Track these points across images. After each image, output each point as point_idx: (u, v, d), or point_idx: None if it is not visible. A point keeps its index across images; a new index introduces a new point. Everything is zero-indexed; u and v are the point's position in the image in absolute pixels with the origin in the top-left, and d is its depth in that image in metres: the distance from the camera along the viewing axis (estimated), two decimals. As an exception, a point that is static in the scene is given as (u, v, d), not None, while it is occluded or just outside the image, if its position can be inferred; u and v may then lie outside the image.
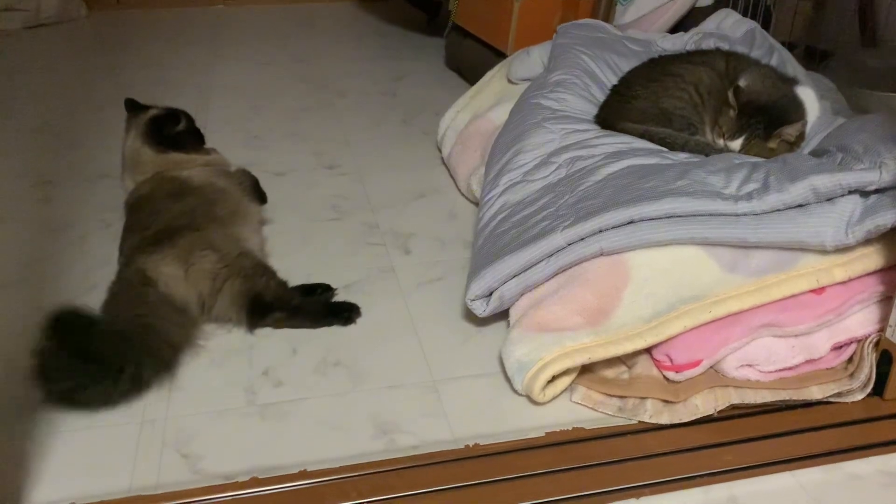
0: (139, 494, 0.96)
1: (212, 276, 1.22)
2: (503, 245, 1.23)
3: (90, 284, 1.34)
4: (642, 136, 1.40)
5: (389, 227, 1.58)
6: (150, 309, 1.17)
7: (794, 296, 1.12)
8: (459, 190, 1.70)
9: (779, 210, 1.13)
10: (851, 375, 1.11)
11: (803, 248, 1.12)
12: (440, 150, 1.85)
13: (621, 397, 1.11)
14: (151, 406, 1.11)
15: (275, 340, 1.25)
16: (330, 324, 1.28)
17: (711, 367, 1.11)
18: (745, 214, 1.13)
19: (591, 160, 1.32)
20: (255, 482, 0.98)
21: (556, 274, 1.18)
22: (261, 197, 1.53)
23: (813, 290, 1.12)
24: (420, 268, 1.45)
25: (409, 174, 1.80)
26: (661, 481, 0.99)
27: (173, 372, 1.16)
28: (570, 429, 1.07)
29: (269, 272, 1.28)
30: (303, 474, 0.99)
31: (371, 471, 1.00)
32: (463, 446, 1.04)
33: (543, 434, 1.06)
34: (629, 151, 1.33)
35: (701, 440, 1.05)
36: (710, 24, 1.92)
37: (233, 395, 1.14)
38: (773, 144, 1.36)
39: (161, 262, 1.20)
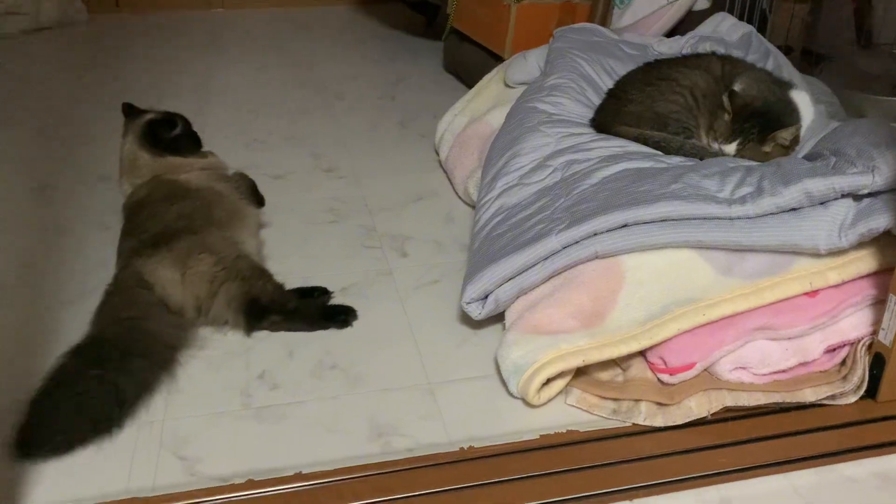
0: (136, 496, 0.97)
1: (209, 279, 1.22)
2: (499, 248, 1.24)
3: (88, 287, 1.35)
4: (637, 139, 1.41)
5: (386, 230, 1.59)
6: (145, 311, 1.17)
7: (787, 299, 1.13)
8: (456, 193, 1.71)
9: (772, 214, 1.14)
10: (844, 378, 1.12)
11: (797, 252, 1.13)
12: (437, 154, 1.86)
13: (616, 400, 1.12)
14: (149, 408, 1.12)
15: (271, 343, 1.25)
16: (326, 327, 1.28)
17: (705, 369, 1.12)
18: (738, 218, 1.14)
19: (587, 164, 1.33)
20: (251, 484, 0.99)
21: (552, 277, 1.19)
22: (258, 200, 1.53)
23: (806, 293, 1.13)
24: (417, 271, 1.45)
25: (407, 177, 1.81)
26: (654, 483, 0.99)
27: (172, 373, 1.16)
28: (565, 431, 1.07)
29: (266, 275, 1.29)
30: (299, 476, 1.00)
31: (367, 473, 1.01)
32: (458, 448, 1.05)
33: (538, 436, 1.06)
34: (624, 155, 1.33)
35: (694, 442, 1.05)
36: (706, 27, 1.93)
37: (229, 398, 1.14)
38: (767, 148, 1.36)
39: (158, 266, 1.21)
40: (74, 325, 1.21)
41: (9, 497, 0.97)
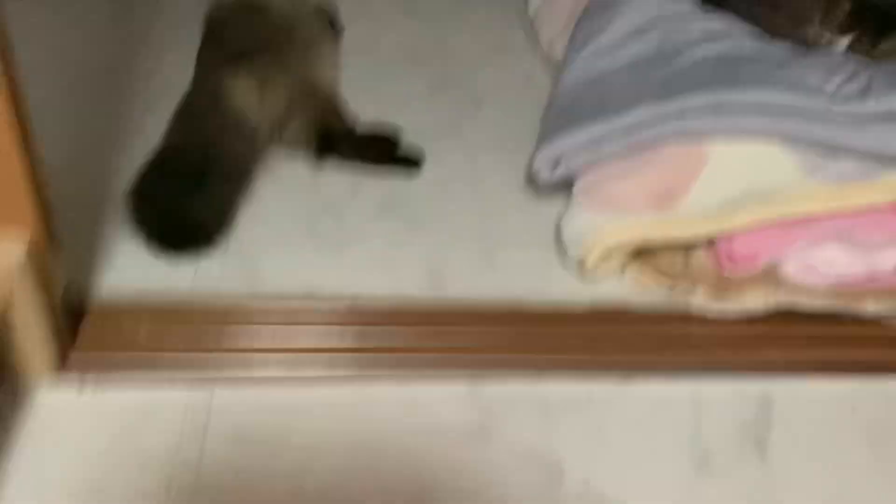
0: (196, 301, 1.03)
1: (286, 102, 1.22)
2: (579, 113, 1.20)
3: (160, 93, 1.35)
4: (746, 17, 1.32)
5: (464, 81, 1.54)
6: (222, 128, 1.18)
7: (870, 208, 1.08)
8: (541, 51, 1.64)
9: (875, 117, 1.07)
10: (911, 296, 1.09)
11: (893, 161, 1.07)
12: (527, 5, 1.77)
13: (672, 283, 1.12)
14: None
15: (339, 178, 1.26)
16: (394, 170, 1.28)
17: (769, 265, 1.10)
18: (839, 116, 1.08)
19: (686, 36, 1.25)
20: (310, 299, 1.05)
21: (630, 150, 1.15)
22: (338, 31, 1.50)
23: (891, 206, 1.08)
24: (489, 128, 1.42)
25: (492, 27, 1.73)
26: (697, 367, 1.01)
27: (246, 192, 1.19)
28: (616, 306, 1.08)
29: (340, 108, 1.28)
30: (353, 301, 1.05)
31: (418, 310, 1.05)
32: (506, 306, 1.06)
33: (589, 307, 1.08)
34: (729, 32, 1.25)
35: (744, 334, 1.06)
36: None
37: (294, 224, 1.17)
38: (884, 47, 1.26)
39: (237, 82, 1.21)
40: (156, 130, 1.22)
41: (80, 276, 1.04)
